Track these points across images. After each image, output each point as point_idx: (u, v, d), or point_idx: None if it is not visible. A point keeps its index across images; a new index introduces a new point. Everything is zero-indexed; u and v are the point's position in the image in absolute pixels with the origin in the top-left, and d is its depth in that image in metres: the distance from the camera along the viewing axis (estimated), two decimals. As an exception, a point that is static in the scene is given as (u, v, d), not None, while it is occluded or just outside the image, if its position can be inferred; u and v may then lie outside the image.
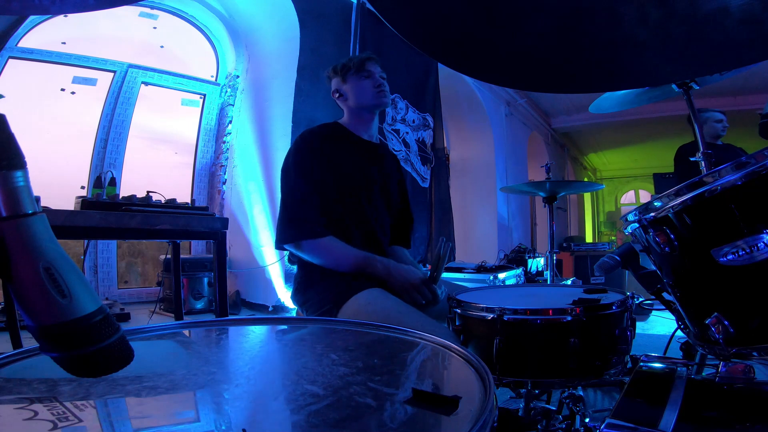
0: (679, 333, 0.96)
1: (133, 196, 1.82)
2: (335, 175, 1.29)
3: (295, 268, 1.36)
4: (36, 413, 0.39)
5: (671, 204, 0.69)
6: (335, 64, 1.42)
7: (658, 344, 2.09)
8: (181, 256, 2.66)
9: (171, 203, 1.93)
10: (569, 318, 0.87)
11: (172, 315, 3.00)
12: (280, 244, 1.27)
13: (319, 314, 1.18)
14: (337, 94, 1.41)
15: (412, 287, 1.16)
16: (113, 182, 1.94)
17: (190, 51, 4.24)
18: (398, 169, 1.54)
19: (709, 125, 2.84)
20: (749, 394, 0.62)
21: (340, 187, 1.30)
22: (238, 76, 4.21)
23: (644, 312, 3.42)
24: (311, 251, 1.23)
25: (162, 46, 4.09)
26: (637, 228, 0.78)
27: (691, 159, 1.43)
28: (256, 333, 0.75)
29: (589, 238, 11.02)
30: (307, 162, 1.27)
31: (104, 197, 1.76)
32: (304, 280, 1.30)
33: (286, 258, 1.44)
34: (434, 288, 1.16)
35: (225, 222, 1.99)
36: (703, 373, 1.11)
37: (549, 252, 2.19)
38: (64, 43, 3.48)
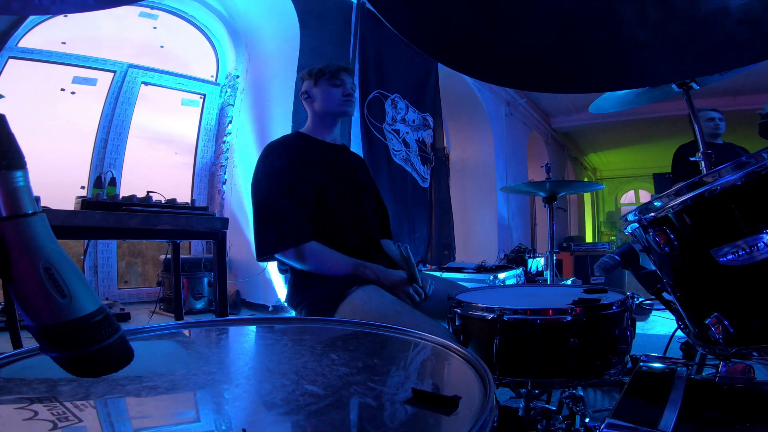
0: (679, 333, 0.96)
1: (133, 196, 1.82)
2: (311, 180, 1.30)
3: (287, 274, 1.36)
4: (36, 413, 0.39)
5: (671, 204, 0.69)
6: (311, 67, 1.44)
7: (658, 344, 2.09)
8: (181, 256, 2.66)
9: (171, 203, 1.93)
10: (569, 318, 0.87)
11: (172, 315, 3.00)
12: (266, 255, 1.25)
13: (316, 315, 1.18)
14: (306, 96, 1.43)
15: (401, 291, 1.18)
16: (113, 182, 1.94)
17: (190, 51, 4.24)
18: (364, 164, 1.56)
19: (701, 124, 2.84)
20: (749, 394, 0.62)
21: (320, 191, 1.30)
22: (238, 76, 4.21)
23: (644, 312, 3.42)
24: (302, 258, 1.23)
25: (162, 46, 4.09)
26: (637, 228, 0.78)
27: (691, 159, 1.43)
28: (256, 333, 0.75)
29: (589, 238, 11.01)
30: (279, 171, 1.28)
31: (104, 197, 1.76)
32: (298, 283, 1.29)
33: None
34: (419, 289, 1.20)
35: (225, 222, 1.99)
36: (703, 373, 1.11)
37: (549, 252, 2.19)
38: (64, 43, 3.47)
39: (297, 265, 1.25)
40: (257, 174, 1.31)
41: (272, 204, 1.25)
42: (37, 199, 0.41)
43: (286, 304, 1.35)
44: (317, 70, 1.41)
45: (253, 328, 0.78)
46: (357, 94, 1.45)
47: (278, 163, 1.30)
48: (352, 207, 1.34)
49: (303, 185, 1.28)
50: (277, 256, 1.26)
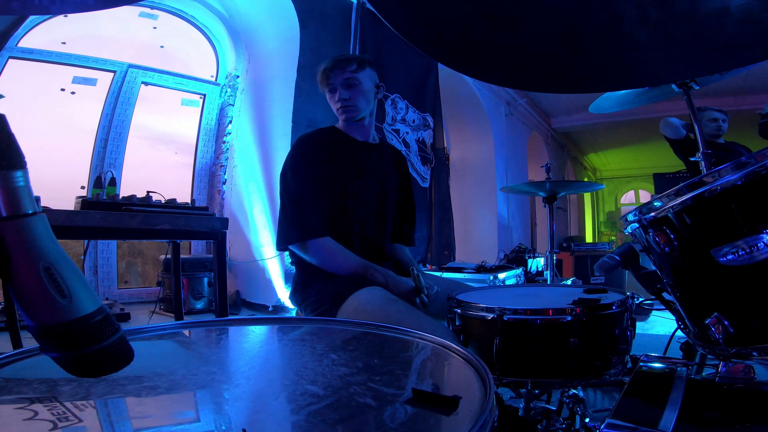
0: (679, 333, 0.96)
1: (133, 196, 1.82)
2: (335, 177, 1.30)
3: (294, 268, 1.37)
4: (36, 413, 0.39)
5: (671, 204, 0.69)
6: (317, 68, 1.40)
7: (658, 344, 2.08)
8: (181, 256, 2.66)
9: (171, 203, 1.93)
10: (569, 318, 0.87)
11: (172, 315, 3.00)
12: (282, 245, 1.28)
13: (318, 314, 1.19)
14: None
15: (407, 300, 1.17)
16: (113, 182, 1.94)
17: (190, 51, 4.24)
18: (402, 167, 1.53)
19: (703, 124, 2.81)
20: (749, 394, 0.62)
21: (342, 189, 1.31)
22: (238, 76, 4.21)
23: (644, 312, 3.42)
24: (314, 252, 1.24)
25: (162, 46, 4.08)
26: (637, 228, 0.78)
27: (691, 159, 1.43)
28: (256, 333, 0.75)
29: (589, 238, 11.02)
30: (305, 165, 1.28)
31: (104, 197, 1.75)
32: (302, 280, 1.30)
33: (285, 256, 1.45)
34: (424, 299, 1.19)
35: (225, 222, 1.99)
36: (703, 373, 1.11)
37: (549, 252, 2.19)
38: (64, 43, 3.47)
39: (307, 258, 1.26)
40: (285, 166, 1.31)
41: (294, 198, 1.26)
42: (37, 199, 0.41)
43: (290, 299, 1.36)
44: (318, 76, 1.37)
45: (254, 328, 0.78)
46: (366, 88, 1.34)
47: (305, 158, 1.29)
48: (371, 210, 1.34)
49: (326, 183, 1.28)
50: (290, 247, 1.27)
